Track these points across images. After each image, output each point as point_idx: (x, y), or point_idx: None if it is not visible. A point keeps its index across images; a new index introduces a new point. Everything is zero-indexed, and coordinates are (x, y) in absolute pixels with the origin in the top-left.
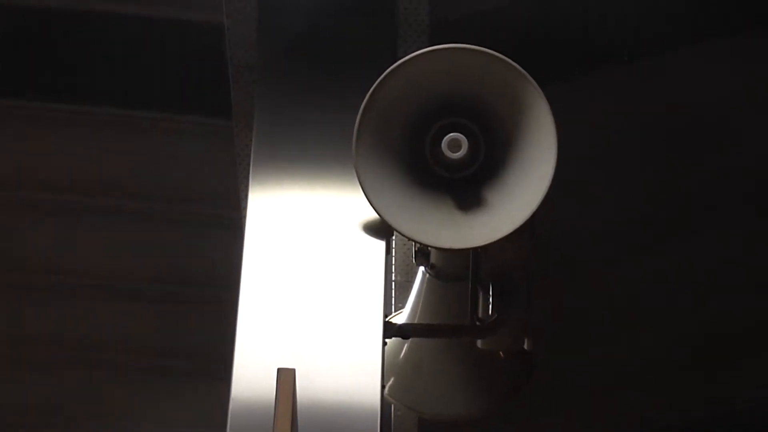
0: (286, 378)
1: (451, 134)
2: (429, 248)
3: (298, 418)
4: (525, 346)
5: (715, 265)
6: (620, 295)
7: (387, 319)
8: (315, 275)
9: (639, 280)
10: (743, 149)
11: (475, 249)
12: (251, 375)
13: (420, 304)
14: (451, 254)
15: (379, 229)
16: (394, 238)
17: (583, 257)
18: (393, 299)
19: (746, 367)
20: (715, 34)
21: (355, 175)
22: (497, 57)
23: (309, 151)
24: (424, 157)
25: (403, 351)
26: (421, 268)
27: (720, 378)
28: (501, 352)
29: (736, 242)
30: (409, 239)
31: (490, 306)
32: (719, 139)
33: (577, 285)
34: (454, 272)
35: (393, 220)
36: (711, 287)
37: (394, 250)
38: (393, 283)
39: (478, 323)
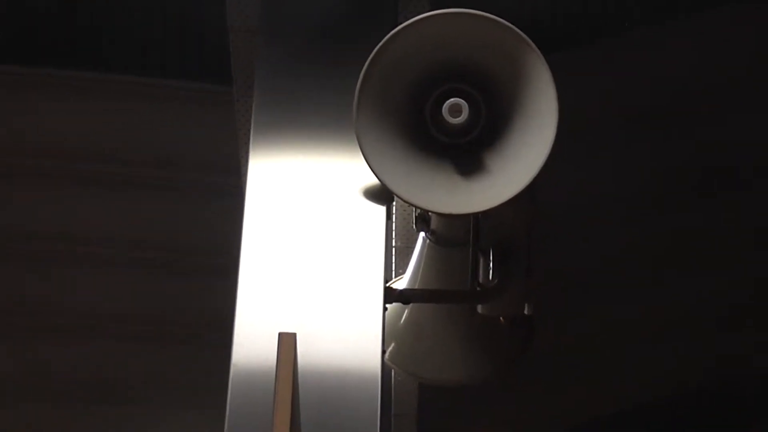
0: (287, 342)
1: (452, 99)
2: (429, 214)
3: (300, 382)
4: (525, 312)
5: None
6: (624, 258)
7: (387, 285)
8: (315, 241)
9: (640, 242)
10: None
11: (475, 214)
12: (252, 340)
13: (420, 270)
14: (451, 220)
15: (379, 194)
16: (394, 203)
17: (583, 225)
18: (393, 265)
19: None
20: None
21: (355, 140)
22: (498, 22)
23: (309, 117)
24: (425, 122)
25: (404, 316)
26: (422, 234)
27: (725, 342)
28: (501, 318)
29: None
30: (410, 205)
31: (491, 271)
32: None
33: (578, 249)
34: (455, 238)
35: (394, 186)
36: (714, 253)
37: (394, 215)
38: (393, 248)
39: (478, 289)
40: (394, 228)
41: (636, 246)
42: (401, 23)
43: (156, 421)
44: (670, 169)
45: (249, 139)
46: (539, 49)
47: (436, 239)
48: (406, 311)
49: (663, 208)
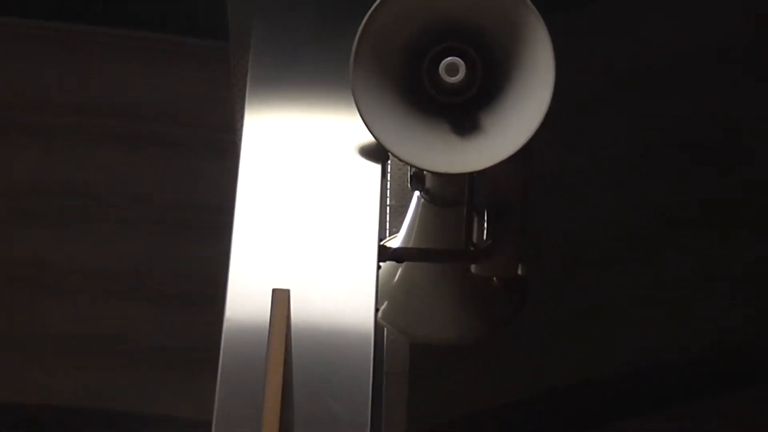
0: (280, 299)
1: (449, 58)
2: (424, 172)
3: (293, 340)
4: (519, 272)
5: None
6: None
7: (381, 243)
8: (310, 199)
9: (632, 210)
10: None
11: (470, 174)
12: (245, 296)
13: (415, 229)
14: (446, 179)
15: (375, 153)
16: (389, 162)
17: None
18: (387, 223)
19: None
20: None
21: (351, 99)
22: None
23: (306, 74)
24: (421, 81)
25: (397, 275)
26: (416, 193)
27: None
28: (495, 278)
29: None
30: (405, 163)
31: (485, 231)
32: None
33: (574, 213)
34: (450, 197)
35: (389, 144)
36: (702, 226)
37: (389, 174)
38: (388, 207)
39: (472, 248)
40: (389, 186)
41: (625, 214)
42: None
43: (151, 377)
44: (664, 135)
45: (245, 96)
46: (539, 9)
47: (431, 198)
48: (399, 270)
49: (657, 176)
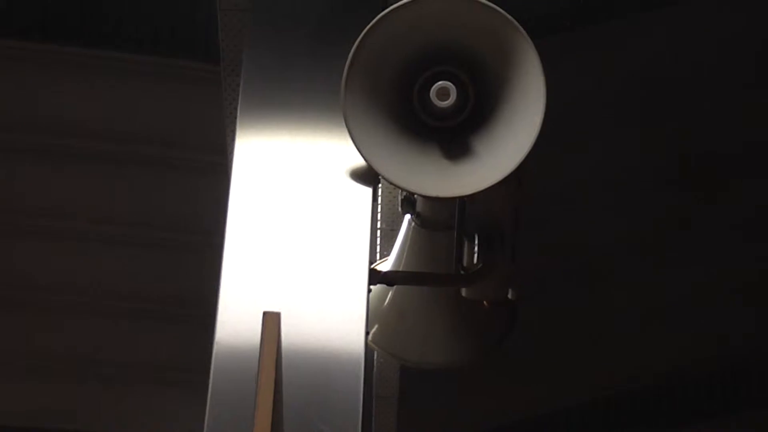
0: (271, 321)
1: (440, 82)
2: (415, 196)
3: (283, 362)
4: (509, 296)
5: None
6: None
7: (372, 266)
8: (301, 221)
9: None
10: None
11: (461, 198)
12: (236, 318)
13: (405, 252)
14: (437, 203)
15: (366, 176)
16: (380, 185)
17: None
18: (378, 247)
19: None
20: None
21: (343, 122)
22: (488, 6)
23: (297, 97)
24: (412, 105)
25: (388, 298)
26: (407, 217)
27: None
28: (485, 302)
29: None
30: (396, 187)
31: (476, 255)
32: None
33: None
34: (440, 221)
35: (380, 168)
36: (703, 239)
37: (380, 197)
38: (378, 230)
39: (462, 272)
40: (379, 210)
41: (627, 232)
42: (390, 5)
43: (143, 397)
44: (662, 155)
45: (236, 118)
46: (532, 33)
47: (422, 222)
48: (390, 293)
49: (655, 194)
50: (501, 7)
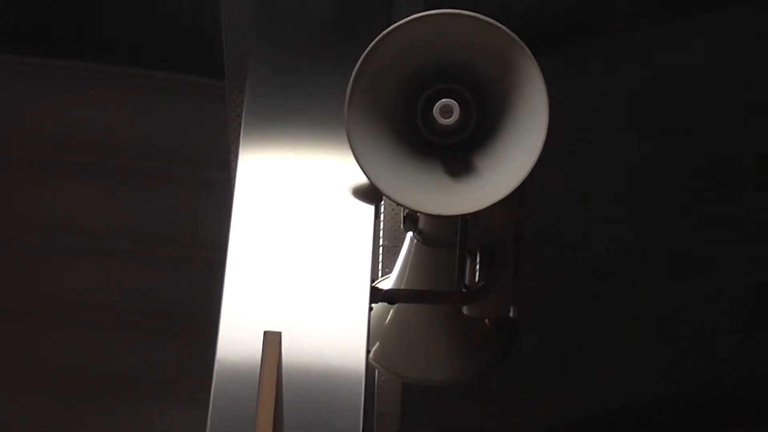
0: (272, 341)
1: (443, 100)
2: (417, 214)
3: (283, 380)
4: (511, 314)
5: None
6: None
7: (374, 284)
8: (303, 238)
9: (627, 244)
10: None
11: (463, 216)
12: (237, 337)
13: (407, 270)
14: (439, 220)
15: (368, 193)
16: (383, 203)
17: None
18: (380, 264)
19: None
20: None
21: (346, 139)
22: (491, 23)
23: (300, 114)
24: (415, 122)
25: (389, 316)
26: (409, 234)
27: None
28: (486, 320)
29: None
30: (398, 204)
31: (477, 273)
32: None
33: (565, 249)
34: (442, 238)
35: (383, 185)
36: (703, 259)
37: (382, 214)
38: (381, 247)
39: (464, 290)
40: (382, 227)
41: (629, 245)
42: (394, 22)
43: (141, 414)
44: (667, 167)
45: (240, 134)
46: (536, 48)
47: (424, 239)
48: (391, 311)
49: (658, 208)
50: (508, 22)
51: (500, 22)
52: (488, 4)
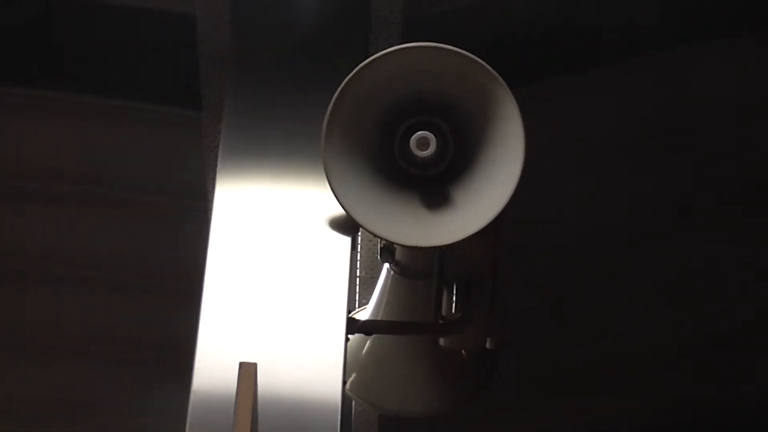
0: (247, 372)
1: (420, 132)
2: (394, 245)
3: (259, 411)
4: (488, 345)
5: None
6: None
7: (350, 315)
8: (280, 269)
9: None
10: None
11: (440, 247)
12: (213, 368)
13: (384, 301)
14: (416, 252)
15: (345, 225)
16: (359, 234)
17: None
18: (357, 295)
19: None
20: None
21: (323, 170)
22: (468, 57)
23: (278, 145)
24: (393, 154)
25: (366, 347)
26: (386, 265)
27: (698, 378)
28: (463, 351)
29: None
30: (375, 236)
31: (454, 305)
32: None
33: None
34: (419, 270)
35: (359, 217)
36: (692, 289)
37: (359, 246)
38: (357, 278)
39: (441, 321)
40: (359, 258)
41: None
42: (372, 54)
43: None
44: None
45: (216, 165)
46: (515, 78)
47: (401, 271)
48: (368, 342)
49: (645, 237)
50: (498, 53)
51: (477, 52)
52: (465, 33)
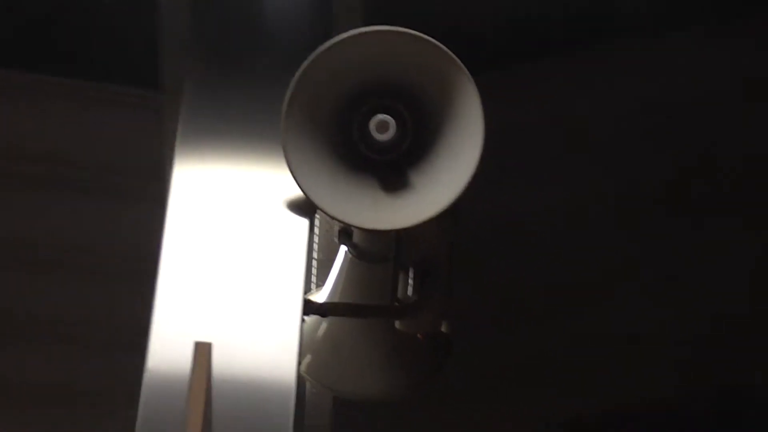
0: (202, 351)
1: (379, 116)
2: (352, 228)
3: (213, 391)
4: (443, 329)
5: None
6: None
7: (306, 297)
8: (236, 250)
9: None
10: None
11: (398, 231)
12: (167, 347)
13: (341, 283)
14: (373, 235)
15: (303, 207)
16: (317, 216)
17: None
18: (314, 277)
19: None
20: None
21: (281, 152)
22: (428, 41)
23: (237, 126)
24: (352, 137)
25: (321, 329)
26: (343, 248)
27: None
28: (419, 334)
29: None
30: (332, 218)
31: (411, 288)
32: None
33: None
34: (377, 253)
35: (317, 199)
36: (651, 282)
37: (317, 228)
38: (315, 261)
39: (397, 304)
40: (316, 240)
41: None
42: (333, 38)
43: (71, 427)
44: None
45: (174, 145)
46: (483, 65)
47: (359, 254)
48: (323, 324)
49: (625, 227)
50: (464, 38)
51: (440, 37)
52: (428, 18)
